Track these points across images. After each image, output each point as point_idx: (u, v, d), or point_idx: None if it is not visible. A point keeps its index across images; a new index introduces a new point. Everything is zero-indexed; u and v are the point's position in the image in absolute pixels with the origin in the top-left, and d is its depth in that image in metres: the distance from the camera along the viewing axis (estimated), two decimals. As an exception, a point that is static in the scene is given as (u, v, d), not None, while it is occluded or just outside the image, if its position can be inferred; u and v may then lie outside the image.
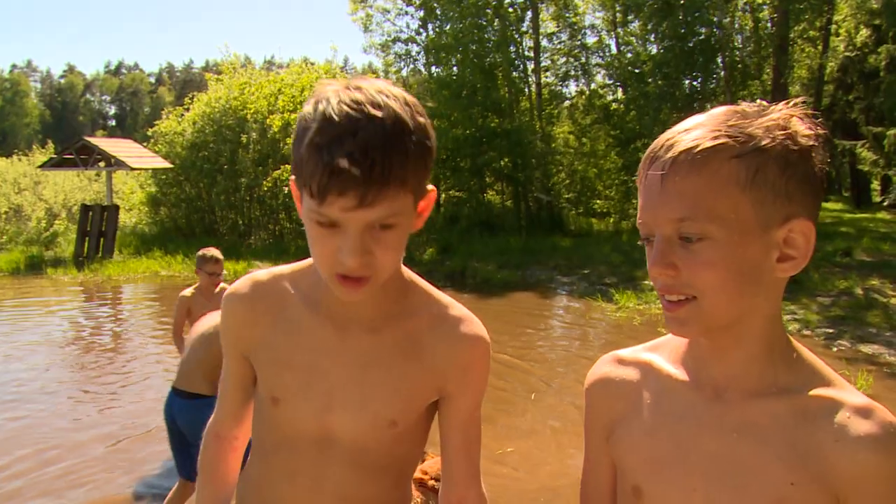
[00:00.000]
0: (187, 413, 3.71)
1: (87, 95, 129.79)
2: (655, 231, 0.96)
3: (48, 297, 12.12)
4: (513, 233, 17.17)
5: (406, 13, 20.90)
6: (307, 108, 1.12)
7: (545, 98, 19.83)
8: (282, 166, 16.20)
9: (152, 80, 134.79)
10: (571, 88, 21.13)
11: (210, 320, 3.85)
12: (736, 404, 0.99)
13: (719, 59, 16.97)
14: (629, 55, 18.62)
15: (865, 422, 0.92)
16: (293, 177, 1.17)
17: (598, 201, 19.74)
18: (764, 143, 0.91)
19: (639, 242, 1.00)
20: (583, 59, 19.65)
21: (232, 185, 17.43)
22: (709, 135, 0.92)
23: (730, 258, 0.92)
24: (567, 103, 20.77)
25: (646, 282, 11.61)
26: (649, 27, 17.98)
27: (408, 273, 1.33)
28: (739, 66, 17.07)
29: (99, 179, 20.50)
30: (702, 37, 16.83)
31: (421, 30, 20.81)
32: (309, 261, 1.31)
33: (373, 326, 1.29)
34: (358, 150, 1.04)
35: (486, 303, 11.13)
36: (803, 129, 0.93)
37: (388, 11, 21.11)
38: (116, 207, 16.59)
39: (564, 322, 10.34)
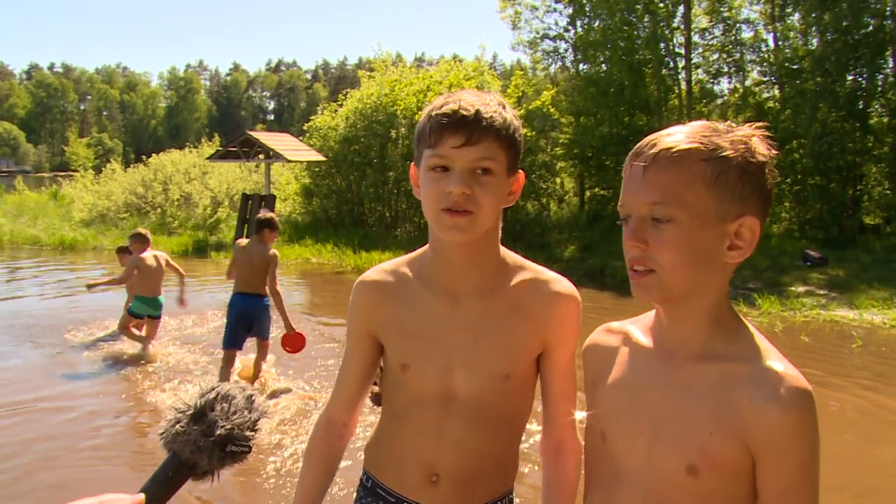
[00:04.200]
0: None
1: (250, 91, 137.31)
2: (633, 212, 1.16)
3: (211, 276, 13.10)
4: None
5: (555, 10, 20.88)
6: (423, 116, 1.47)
7: (696, 96, 19.22)
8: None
9: (309, 76, 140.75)
10: (724, 86, 20.35)
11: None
12: (679, 367, 1.20)
13: (888, 54, 15.84)
14: (787, 50, 17.70)
15: (777, 386, 1.12)
16: (413, 165, 1.51)
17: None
18: (728, 152, 1.11)
19: (618, 222, 1.20)
20: (737, 56, 18.89)
21: (381, 179, 18.07)
22: (685, 139, 1.13)
23: (689, 240, 1.12)
24: (719, 101, 20.03)
25: (791, 288, 11.14)
26: (810, 20, 17.01)
27: (502, 248, 1.57)
28: (912, 60, 15.86)
29: (258, 171, 21.73)
30: (870, 28, 15.76)
31: (569, 27, 20.70)
32: (419, 250, 1.60)
33: (480, 295, 1.52)
34: (465, 103, 1.38)
35: (624, 302, 11.03)
36: (761, 147, 1.14)
37: (537, 9, 21.15)
38: (273, 197, 17.62)
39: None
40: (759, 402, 1.12)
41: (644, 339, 1.30)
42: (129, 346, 7.74)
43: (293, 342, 6.46)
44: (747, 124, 1.17)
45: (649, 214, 1.15)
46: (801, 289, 11.19)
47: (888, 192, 16.54)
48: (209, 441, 0.98)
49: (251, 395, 1.04)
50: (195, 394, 1.02)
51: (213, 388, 1.02)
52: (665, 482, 1.19)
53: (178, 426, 0.99)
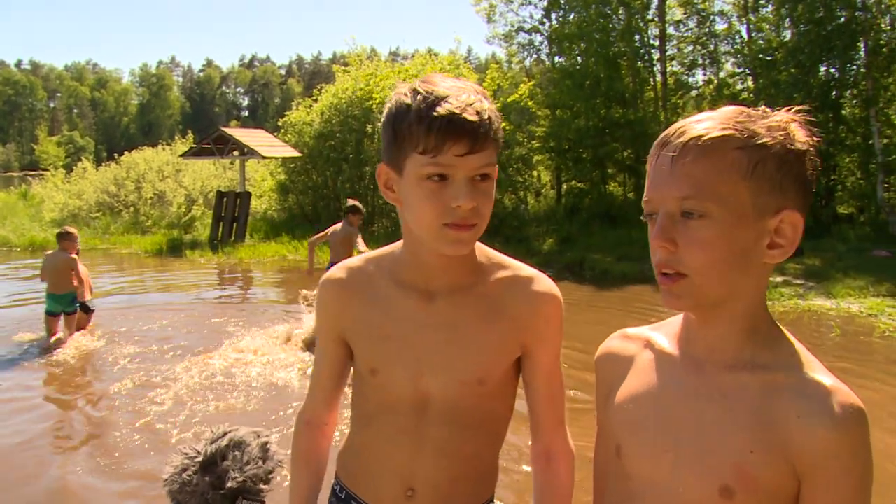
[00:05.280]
0: None
1: (223, 88, 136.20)
2: (660, 208, 1.04)
3: (186, 275, 12.93)
4: (634, 225, 16.84)
5: (530, 3, 20.80)
6: (392, 103, 1.31)
7: (671, 88, 19.29)
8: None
9: (283, 72, 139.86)
10: (699, 78, 20.42)
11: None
12: (712, 376, 1.08)
13: (861, 44, 15.96)
14: (761, 42, 17.81)
15: (828, 401, 1.01)
16: (382, 163, 1.36)
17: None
18: (765, 140, 1.01)
19: (641, 218, 1.09)
20: (711, 47, 18.97)
21: (357, 174, 17.94)
22: (718, 126, 1.02)
23: (724, 238, 1.01)
24: (694, 93, 20.12)
25: (770, 278, 11.15)
26: (783, 11, 17.13)
27: (480, 246, 1.46)
28: (884, 49, 15.97)
29: (233, 167, 21.53)
30: (842, 20, 15.87)
31: (544, 19, 20.67)
32: (391, 246, 1.49)
33: (455, 294, 1.42)
34: (462, 103, 1.24)
35: (602, 294, 11.04)
36: (801, 134, 1.03)
37: (512, 1, 21.06)
38: (248, 194, 17.45)
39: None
40: (809, 417, 1.00)
41: (669, 346, 1.17)
42: (78, 347, 7.74)
43: None
44: (785, 109, 1.07)
45: (679, 210, 1.03)
46: (779, 279, 11.24)
47: (861, 181, 16.74)
48: (219, 494, 0.89)
49: (266, 443, 0.92)
50: (206, 438, 0.90)
51: (226, 433, 0.90)
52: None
53: (185, 474, 0.88)
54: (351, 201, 8.64)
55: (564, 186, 20.10)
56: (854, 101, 16.76)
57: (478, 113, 1.25)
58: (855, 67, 16.47)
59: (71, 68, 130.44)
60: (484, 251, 1.48)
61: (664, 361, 1.16)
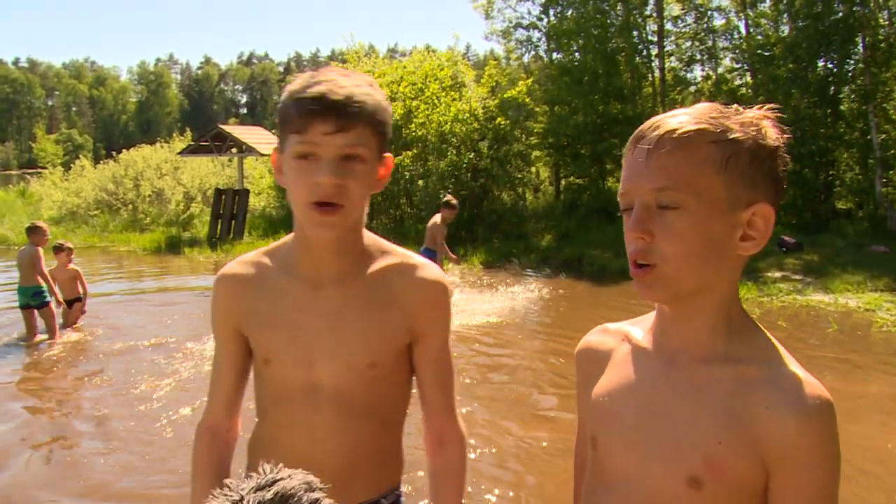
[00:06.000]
0: None
1: (222, 85, 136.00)
2: (636, 200, 1.06)
3: (185, 272, 12.92)
4: (632, 221, 16.81)
5: (528, -1, 20.79)
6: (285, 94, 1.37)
7: (669, 84, 19.25)
8: (403, 152, 16.52)
9: (281, 69, 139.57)
10: (697, 73, 20.40)
11: None
12: (685, 369, 1.09)
13: (859, 39, 15.92)
14: (759, 37, 17.79)
15: (797, 393, 1.03)
16: (275, 149, 1.42)
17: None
18: (738, 135, 1.03)
19: (618, 214, 1.10)
20: (709, 43, 18.94)
21: (354, 171, 17.90)
22: (692, 120, 1.04)
23: (698, 229, 1.02)
24: (692, 89, 20.10)
25: (767, 273, 11.18)
26: (781, 7, 17.11)
27: (367, 233, 1.50)
28: (882, 44, 15.93)
29: (231, 165, 21.50)
30: (840, 15, 15.84)
31: (542, 16, 20.64)
32: (284, 238, 1.54)
33: (341, 281, 1.45)
34: (334, 86, 1.29)
35: (601, 290, 11.03)
36: (772, 132, 1.05)
37: (510, -2, 21.05)
38: (247, 191, 17.43)
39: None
40: (777, 407, 1.02)
41: (644, 340, 1.19)
42: (67, 342, 7.85)
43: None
44: (756, 107, 1.10)
45: (655, 202, 1.05)
46: (777, 274, 11.24)
47: (859, 177, 16.70)
48: None
49: (317, 501, 0.84)
50: (250, 486, 0.84)
51: (274, 482, 0.83)
52: (660, 494, 1.08)
53: None
54: (446, 196, 9.82)
55: (563, 182, 20.08)
56: (852, 97, 16.70)
57: (347, 95, 1.30)
58: (853, 62, 16.41)
59: (69, 66, 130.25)
60: (373, 239, 1.52)
61: (640, 355, 1.18)
